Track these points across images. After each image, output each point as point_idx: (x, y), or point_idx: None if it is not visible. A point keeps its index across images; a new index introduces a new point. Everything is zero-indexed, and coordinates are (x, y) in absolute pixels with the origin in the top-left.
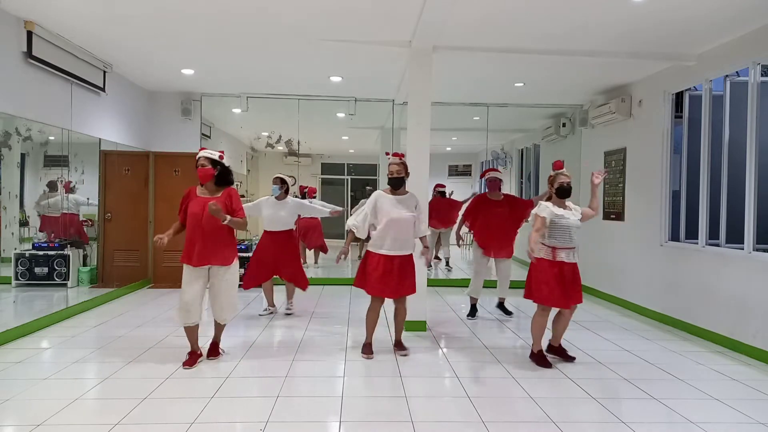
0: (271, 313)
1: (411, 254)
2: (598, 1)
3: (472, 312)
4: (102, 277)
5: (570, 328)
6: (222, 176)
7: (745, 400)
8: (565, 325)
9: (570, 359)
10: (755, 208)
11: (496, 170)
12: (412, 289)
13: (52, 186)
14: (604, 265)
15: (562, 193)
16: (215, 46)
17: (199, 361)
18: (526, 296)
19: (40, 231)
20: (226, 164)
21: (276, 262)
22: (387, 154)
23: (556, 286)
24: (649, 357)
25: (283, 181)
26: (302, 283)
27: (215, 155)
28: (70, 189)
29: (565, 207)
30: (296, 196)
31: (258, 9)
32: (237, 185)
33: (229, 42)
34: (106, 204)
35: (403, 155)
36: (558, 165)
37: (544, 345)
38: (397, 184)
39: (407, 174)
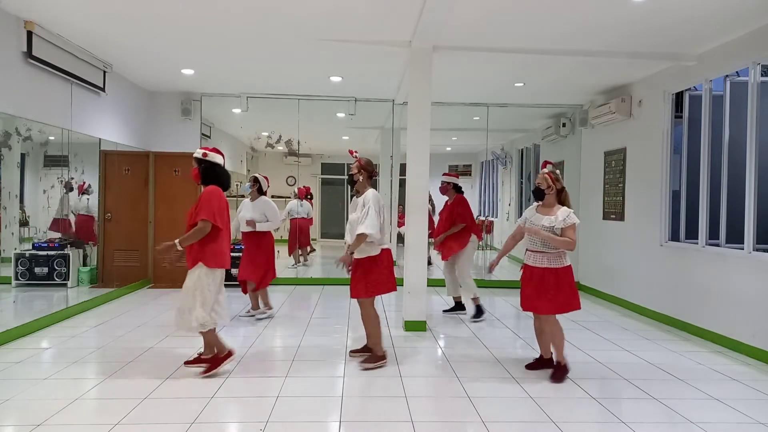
0: (252, 315)
1: (365, 257)
2: (598, 1)
3: (453, 308)
4: (102, 277)
5: (570, 327)
6: (205, 173)
7: (745, 400)
8: (546, 336)
9: (549, 365)
10: (755, 208)
11: (448, 173)
12: (354, 293)
13: (69, 187)
14: (604, 265)
15: (534, 195)
16: (215, 46)
17: (223, 366)
18: None
19: (62, 232)
20: (215, 160)
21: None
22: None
23: (524, 288)
24: (649, 357)
25: (255, 180)
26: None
27: (199, 153)
28: (84, 190)
29: (547, 209)
30: (297, 196)
31: (258, 9)
32: (237, 185)
33: (229, 42)
34: (106, 204)
35: (353, 151)
36: (543, 165)
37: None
38: (350, 182)
39: (361, 173)
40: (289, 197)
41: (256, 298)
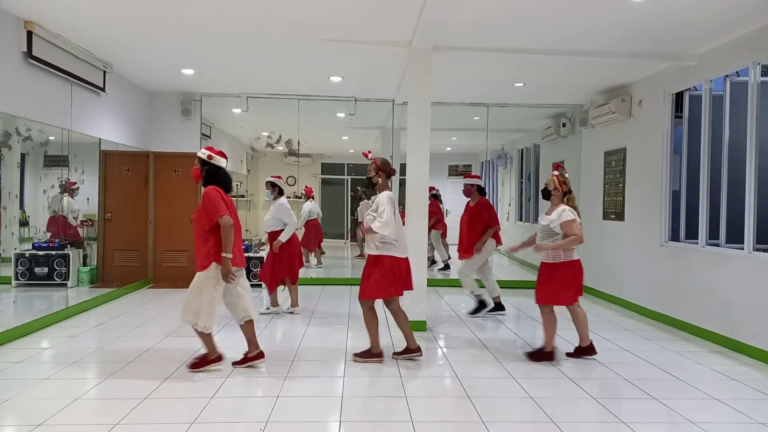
0: (291, 312)
1: (371, 255)
2: (599, 1)
3: (477, 309)
4: (102, 277)
5: (569, 328)
6: (208, 176)
7: (745, 400)
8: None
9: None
10: (755, 208)
11: (471, 175)
12: (360, 293)
13: (63, 188)
14: (604, 265)
15: (542, 194)
16: (215, 46)
17: (210, 367)
18: None
19: (47, 230)
20: (220, 164)
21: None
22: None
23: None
24: (649, 357)
25: (273, 185)
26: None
27: (204, 155)
28: (69, 190)
29: (552, 209)
30: (307, 197)
31: (258, 9)
32: (237, 185)
33: (230, 42)
34: (106, 204)
35: (367, 154)
36: (554, 167)
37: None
38: (368, 185)
39: (377, 174)
40: (290, 197)
41: (295, 293)
